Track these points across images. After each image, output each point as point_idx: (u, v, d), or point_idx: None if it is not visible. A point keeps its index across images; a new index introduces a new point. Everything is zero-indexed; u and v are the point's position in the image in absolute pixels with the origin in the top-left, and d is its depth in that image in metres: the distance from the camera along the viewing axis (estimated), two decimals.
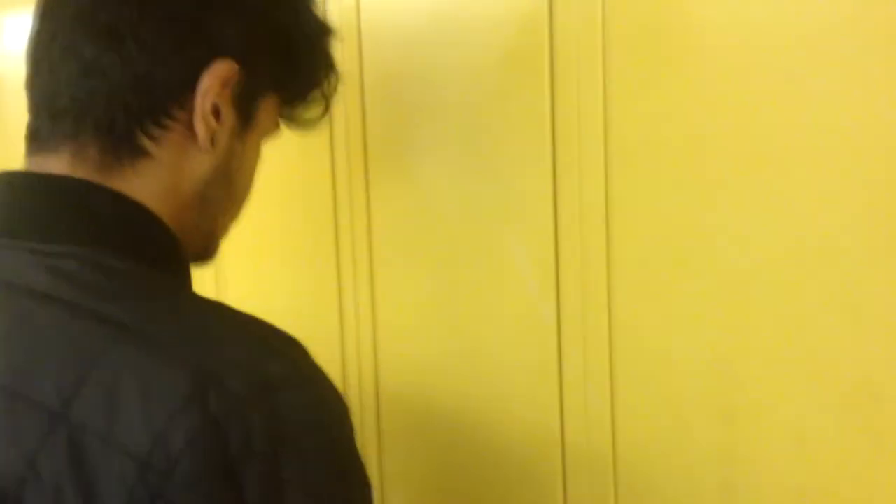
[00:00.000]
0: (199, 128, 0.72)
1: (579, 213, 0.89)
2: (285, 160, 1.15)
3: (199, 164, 0.74)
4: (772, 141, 0.75)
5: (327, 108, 0.86)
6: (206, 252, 0.81)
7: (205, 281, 1.27)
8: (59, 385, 0.60)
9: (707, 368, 0.80)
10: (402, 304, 1.09)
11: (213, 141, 0.73)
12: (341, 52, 1.05)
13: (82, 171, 0.70)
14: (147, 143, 0.71)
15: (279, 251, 1.24)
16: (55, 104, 0.70)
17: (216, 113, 0.73)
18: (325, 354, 1.04)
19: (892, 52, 0.67)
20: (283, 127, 0.86)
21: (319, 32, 0.83)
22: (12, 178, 0.71)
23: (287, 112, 0.84)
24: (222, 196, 0.77)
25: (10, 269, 0.67)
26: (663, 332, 0.83)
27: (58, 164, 0.70)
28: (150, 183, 0.72)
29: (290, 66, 0.80)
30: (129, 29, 0.69)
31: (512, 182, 0.95)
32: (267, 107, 0.79)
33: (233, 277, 1.31)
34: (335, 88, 0.86)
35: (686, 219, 0.81)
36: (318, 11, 0.84)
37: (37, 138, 0.72)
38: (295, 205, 1.21)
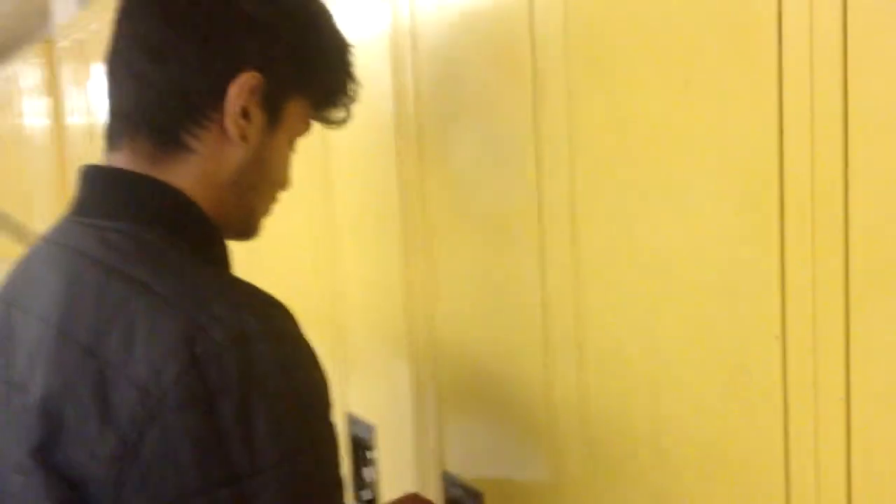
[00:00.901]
0: (231, 127, 0.89)
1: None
2: (356, 160, 1.38)
3: (234, 156, 0.91)
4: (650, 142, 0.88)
5: (348, 111, 1.01)
6: (247, 229, 0.98)
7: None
8: (93, 328, 0.80)
9: (638, 350, 0.94)
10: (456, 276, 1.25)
11: (244, 137, 0.90)
12: (400, 61, 1.25)
13: (138, 165, 0.90)
14: (189, 140, 0.89)
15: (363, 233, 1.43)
16: (120, 111, 0.91)
17: (245, 114, 0.89)
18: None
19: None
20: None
21: (335, 46, 0.99)
22: (88, 169, 0.92)
23: (315, 114, 0.99)
24: (256, 182, 0.94)
25: (75, 238, 0.89)
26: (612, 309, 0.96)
27: (120, 159, 0.91)
28: (191, 172, 0.90)
29: (309, 75, 0.95)
30: (171, 50, 0.87)
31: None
32: (295, 108, 0.95)
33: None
34: (355, 94, 1.01)
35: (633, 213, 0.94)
36: (335, 28, 0.99)
37: (109, 138, 0.92)
38: (367, 196, 1.44)
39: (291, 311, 0.84)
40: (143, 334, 0.77)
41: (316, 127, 1.01)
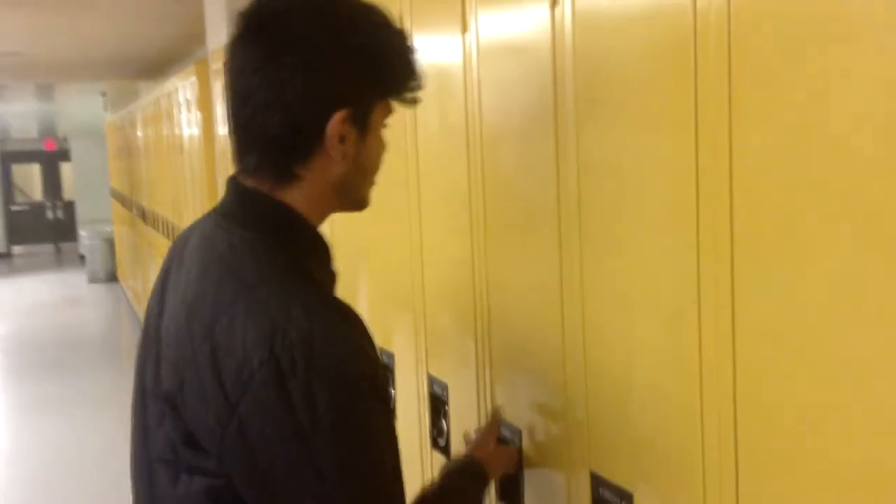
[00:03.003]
0: (334, 153, 1.14)
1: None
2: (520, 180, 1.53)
3: (338, 170, 1.16)
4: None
5: (416, 99, 1.20)
6: (361, 205, 1.23)
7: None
8: (212, 313, 1.09)
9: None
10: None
11: (344, 156, 1.14)
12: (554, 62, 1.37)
13: (263, 185, 1.16)
14: (299, 170, 1.15)
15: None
16: (241, 147, 1.18)
17: (342, 139, 1.13)
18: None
19: None
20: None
21: (400, 51, 1.17)
22: (232, 183, 1.20)
23: (394, 104, 1.20)
24: (359, 181, 1.20)
25: (213, 239, 1.18)
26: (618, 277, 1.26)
27: (250, 180, 1.18)
28: (302, 192, 1.16)
29: (385, 86, 1.17)
30: (275, 107, 1.11)
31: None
32: (377, 110, 1.17)
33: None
34: (421, 84, 1.19)
35: None
36: (397, 34, 1.17)
37: (238, 162, 1.19)
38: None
39: (359, 319, 1.12)
40: (242, 324, 1.06)
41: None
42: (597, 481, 1.31)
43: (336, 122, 1.12)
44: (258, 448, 1.05)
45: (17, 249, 17.77)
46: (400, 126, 1.77)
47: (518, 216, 1.52)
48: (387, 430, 1.13)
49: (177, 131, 5.69)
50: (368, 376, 1.09)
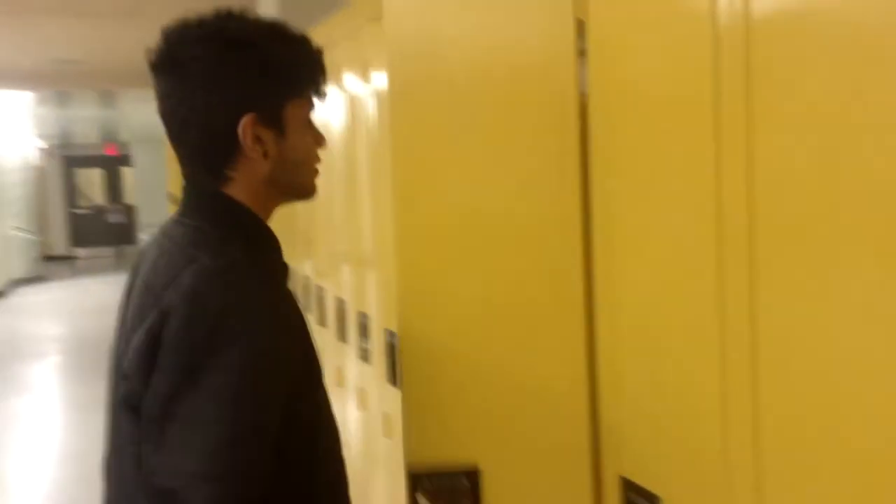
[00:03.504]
0: (252, 154, 1.27)
1: None
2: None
3: (264, 167, 1.29)
4: None
5: (322, 93, 1.33)
6: (303, 193, 1.36)
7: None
8: (163, 283, 1.21)
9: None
10: None
11: (265, 155, 1.27)
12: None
13: (207, 186, 1.30)
14: (229, 171, 1.28)
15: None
16: (180, 161, 1.33)
17: (258, 140, 1.26)
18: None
19: None
20: None
21: (299, 52, 1.30)
22: (183, 188, 1.34)
23: (311, 99, 1.32)
24: (290, 171, 1.31)
25: (169, 231, 1.32)
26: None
27: (195, 182, 1.33)
28: (239, 187, 1.29)
29: (289, 87, 1.29)
30: (190, 123, 1.27)
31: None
32: (291, 108, 1.30)
33: None
34: (325, 75, 1.32)
35: None
36: (293, 36, 1.29)
37: (182, 175, 1.34)
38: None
39: (291, 302, 1.26)
40: (182, 286, 1.17)
41: None
42: (626, 485, 1.33)
43: (245, 126, 1.25)
44: (161, 371, 1.16)
45: (79, 252, 18.21)
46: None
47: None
48: (270, 397, 1.18)
49: None
50: (273, 351, 1.18)
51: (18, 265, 13.59)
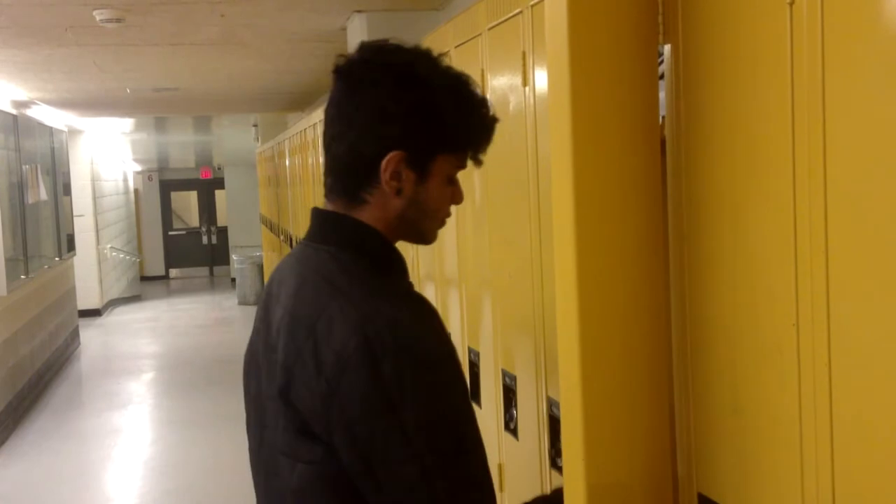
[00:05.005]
0: (387, 187, 1.32)
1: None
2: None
3: (395, 203, 1.34)
4: None
5: (480, 160, 1.37)
6: (422, 240, 1.42)
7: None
8: (312, 314, 1.28)
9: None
10: None
11: (398, 192, 1.32)
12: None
13: (338, 208, 1.37)
14: (365, 195, 1.34)
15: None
16: (326, 167, 1.39)
17: (397, 177, 1.31)
18: None
19: None
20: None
21: (466, 111, 1.33)
22: (314, 210, 1.41)
23: (463, 159, 1.36)
24: (420, 217, 1.37)
25: (305, 257, 1.38)
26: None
27: (329, 205, 1.39)
28: (371, 213, 1.34)
29: (446, 141, 1.32)
30: (344, 138, 1.33)
31: None
32: (441, 161, 1.33)
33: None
34: (487, 143, 1.35)
35: None
36: (467, 94, 1.33)
37: (326, 189, 1.40)
38: None
39: (433, 308, 1.32)
40: (338, 321, 1.24)
41: None
42: (704, 502, 1.34)
43: (390, 160, 1.30)
44: (357, 423, 1.22)
45: (174, 272, 18.80)
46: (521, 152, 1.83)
47: None
48: (464, 402, 1.29)
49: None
50: (447, 355, 1.28)
51: (117, 285, 14.09)
